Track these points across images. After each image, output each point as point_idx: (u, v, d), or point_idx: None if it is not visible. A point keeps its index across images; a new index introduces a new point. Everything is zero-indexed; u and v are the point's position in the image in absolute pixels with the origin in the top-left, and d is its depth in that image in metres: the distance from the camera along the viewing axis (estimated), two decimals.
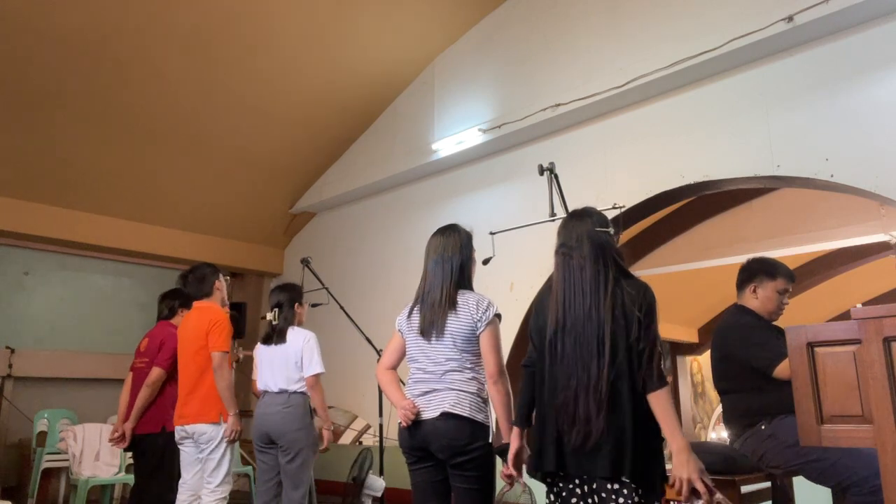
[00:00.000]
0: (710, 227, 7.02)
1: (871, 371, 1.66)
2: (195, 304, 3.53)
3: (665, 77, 4.57)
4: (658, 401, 1.87)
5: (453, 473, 2.27)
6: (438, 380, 2.31)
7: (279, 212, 7.62)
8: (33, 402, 5.99)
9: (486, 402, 2.34)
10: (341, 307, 4.74)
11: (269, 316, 3.56)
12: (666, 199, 4.87)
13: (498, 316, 2.38)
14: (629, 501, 1.83)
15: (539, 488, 2.12)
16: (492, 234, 3.44)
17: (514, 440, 2.17)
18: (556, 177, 3.18)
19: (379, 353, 4.46)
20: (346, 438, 6.31)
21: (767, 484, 2.60)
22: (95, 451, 5.03)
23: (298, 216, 7.79)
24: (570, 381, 1.92)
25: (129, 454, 5.05)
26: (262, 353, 3.56)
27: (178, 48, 5.38)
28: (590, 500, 1.90)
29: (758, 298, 2.67)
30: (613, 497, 1.85)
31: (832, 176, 3.95)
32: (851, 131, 3.93)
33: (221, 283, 3.60)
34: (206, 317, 3.41)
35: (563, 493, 1.95)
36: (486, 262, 3.03)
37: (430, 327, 2.35)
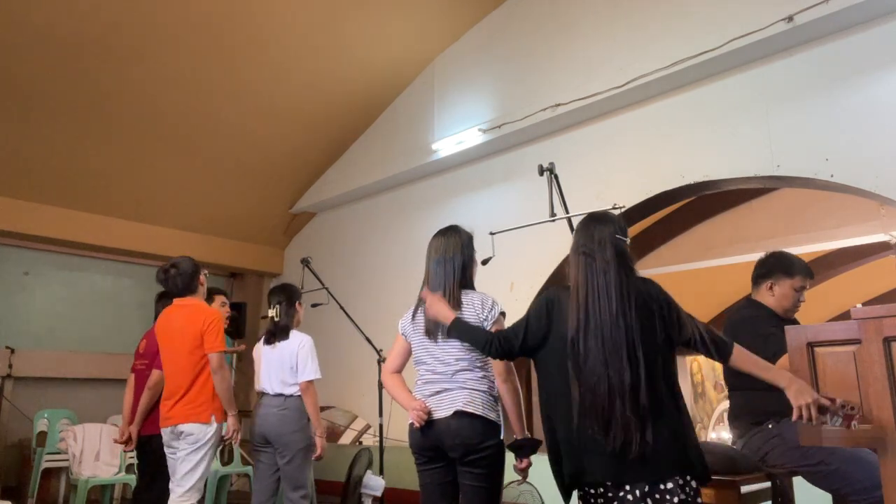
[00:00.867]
0: (710, 227, 7.02)
1: (871, 371, 1.66)
2: (179, 301, 3.39)
3: (665, 77, 4.57)
4: (741, 354, 1.95)
5: (462, 471, 2.26)
6: (450, 379, 2.31)
7: (279, 212, 7.62)
8: (33, 402, 5.99)
9: (496, 400, 2.34)
10: (341, 307, 4.73)
11: (271, 312, 3.55)
12: (666, 199, 4.87)
13: (503, 314, 2.39)
14: (686, 497, 1.82)
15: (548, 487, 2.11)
16: (492, 234, 3.43)
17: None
18: (555, 177, 3.18)
19: (379, 352, 4.47)
20: (346, 438, 6.31)
21: (767, 484, 2.60)
22: (95, 451, 5.03)
23: (298, 216, 7.79)
24: (598, 385, 1.87)
25: (129, 454, 5.07)
26: (262, 353, 3.56)
27: (179, 48, 5.38)
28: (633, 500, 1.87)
29: (774, 296, 2.64)
30: (668, 497, 1.82)
31: (832, 176, 3.95)
32: (851, 131, 3.92)
33: (204, 279, 3.51)
34: (199, 316, 3.30)
35: (599, 500, 1.91)
36: (485, 262, 3.02)
37: (436, 328, 2.35)
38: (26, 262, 6.57)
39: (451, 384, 2.30)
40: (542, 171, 3.17)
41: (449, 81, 6.26)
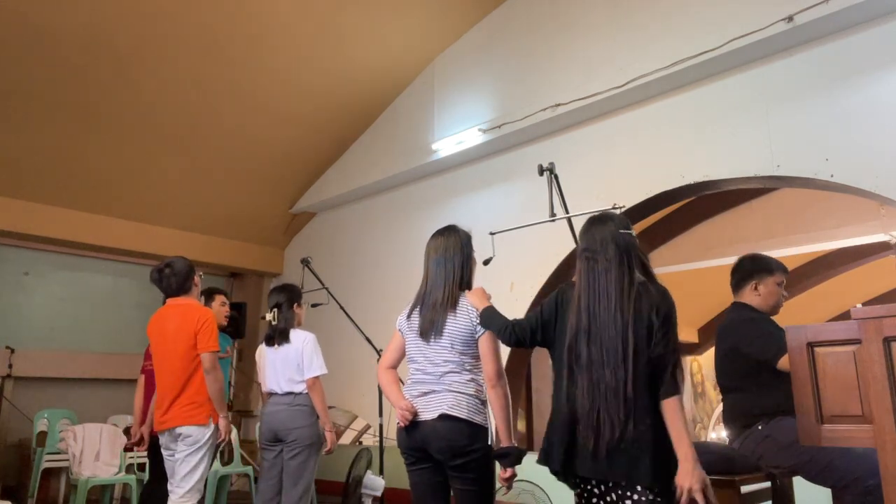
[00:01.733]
0: (710, 227, 7.03)
1: (871, 371, 1.66)
2: (172, 300, 3.37)
3: (665, 77, 4.57)
4: (671, 407, 1.87)
5: (452, 475, 2.26)
6: (437, 381, 2.30)
7: (279, 212, 7.62)
8: (33, 402, 5.99)
9: (484, 404, 2.32)
10: (341, 307, 4.74)
11: (269, 316, 3.56)
12: (666, 199, 4.87)
13: None
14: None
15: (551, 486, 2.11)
16: (492, 234, 3.43)
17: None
18: (555, 177, 3.18)
19: (379, 352, 4.46)
20: (346, 438, 6.31)
21: (767, 484, 2.60)
22: (95, 451, 5.03)
23: (298, 216, 7.79)
24: (596, 386, 1.89)
25: (129, 455, 5.08)
26: (265, 354, 3.57)
27: (180, 49, 5.38)
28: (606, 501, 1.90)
29: (760, 295, 2.68)
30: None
31: (832, 176, 3.95)
32: (851, 131, 3.92)
33: (198, 280, 3.50)
34: (193, 316, 3.28)
35: (593, 499, 1.94)
36: (486, 262, 3.02)
37: (430, 328, 2.35)
38: (26, 262, 6.57)
39: (438, 386, 2.29)
40: (542, 171, 3.17)
41: (449, 81, 6.26)
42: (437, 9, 5.92)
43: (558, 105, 5.12)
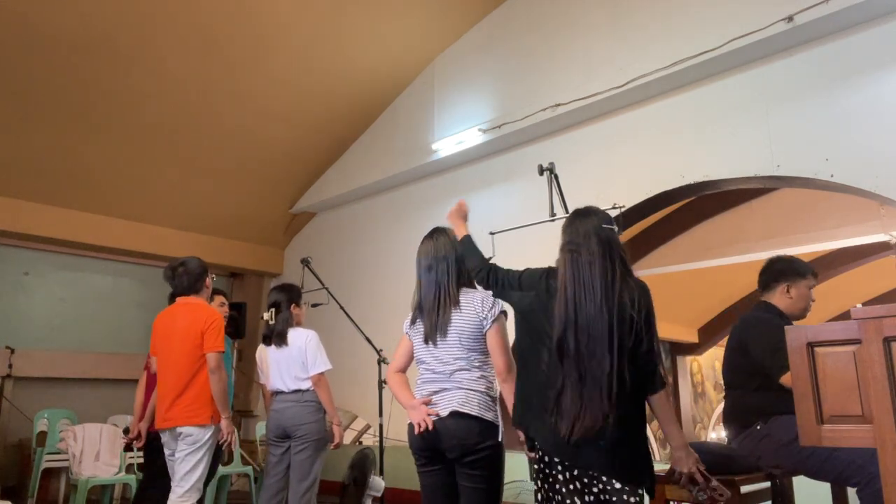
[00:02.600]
0: (710, 227, 7.03)
1: (871, 371, 1.66)
2: (182, 299, 3.40)
3: (665, 77, 4.57)
4: (660, 401, 2.00)
5: (461, 472, 2.24)
6: (447, 379, 2.30)
7: (279, 212, 7.62)
8: (33, 402, 5.98)
9: (495, 400, 2.32)
10: (341, 307, 4.74)
11: (266, 316, 3.56)
12: (666, 199, 4.87)
13: (504, 313, 2.37)
14: (631, 499, 1.86)
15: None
16: (492, 234, 3.44)
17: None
18: (555, 177, 3.19)
19: (379, 352, 4.47)
20: (346, 438, 6.31)
21: (767, 484, 2.60)
22: (95, 451, 5.03)
23: (298, 216, 7.79)
24: (581, 376, 1.90)
25: (129, 455, 5.08)
26: (268, 354, 3.57)
27: (180, 48, 5.38)
28: (575, 486, 1.92)
29: (791, 298, 2.65)
30: (617, 496, 1.87)
31: (832, 176, 3.95)
32: (851, 131, 3.92)
33: (210, 282, 3.52)
34: (200, 316, 3.30)
35: (558, 482, 1.96)
36: None
37: (434, 332, 2.34)
38: (26, 262, 6.57)
39: (448, 383, 2.29)
40: (542, 170, 3.18)
41: (449, 81, 6.26)
42: (437, 9, 5.92)
43: (558, 105, 5.12)
